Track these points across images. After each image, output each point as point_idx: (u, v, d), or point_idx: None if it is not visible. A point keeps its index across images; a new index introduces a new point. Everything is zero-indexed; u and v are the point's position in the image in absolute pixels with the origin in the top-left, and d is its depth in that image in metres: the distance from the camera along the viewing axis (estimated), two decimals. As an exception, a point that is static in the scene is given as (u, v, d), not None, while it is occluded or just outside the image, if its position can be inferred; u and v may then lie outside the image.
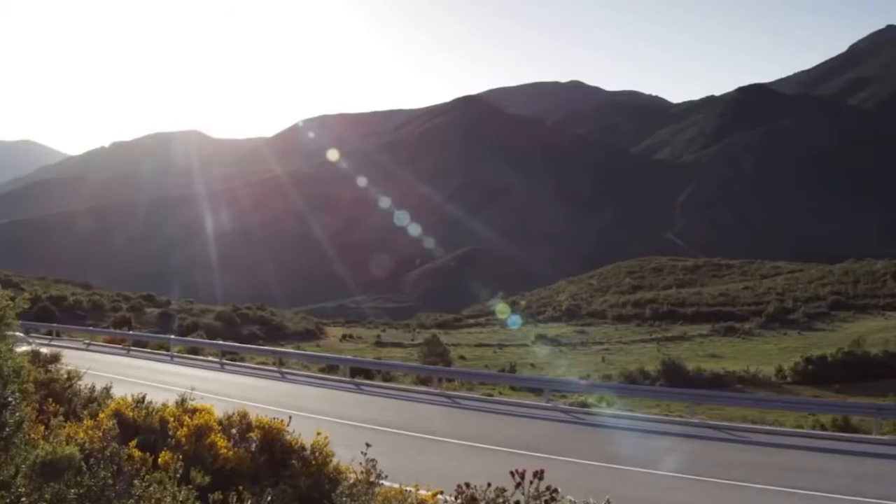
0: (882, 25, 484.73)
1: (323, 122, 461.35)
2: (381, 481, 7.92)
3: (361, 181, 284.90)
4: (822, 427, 24.11)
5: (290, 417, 9.50)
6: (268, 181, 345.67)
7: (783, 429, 23.36)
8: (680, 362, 49.31)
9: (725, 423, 23.43)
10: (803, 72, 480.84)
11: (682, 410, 24.87)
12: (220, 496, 5.70)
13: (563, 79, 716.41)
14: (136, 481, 6.04)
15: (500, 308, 58.64)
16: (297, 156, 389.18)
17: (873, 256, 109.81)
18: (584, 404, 26.32)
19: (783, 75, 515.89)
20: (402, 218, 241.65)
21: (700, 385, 38.74)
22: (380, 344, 69.87)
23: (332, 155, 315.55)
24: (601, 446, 19.53)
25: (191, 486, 6.05)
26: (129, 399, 10.14)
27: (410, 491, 7.42)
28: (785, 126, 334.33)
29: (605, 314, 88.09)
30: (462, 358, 59.29)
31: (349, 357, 41.90)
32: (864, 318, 75.28)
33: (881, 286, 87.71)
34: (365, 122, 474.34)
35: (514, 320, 60.73)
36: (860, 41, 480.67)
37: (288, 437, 9.17)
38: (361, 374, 33.81)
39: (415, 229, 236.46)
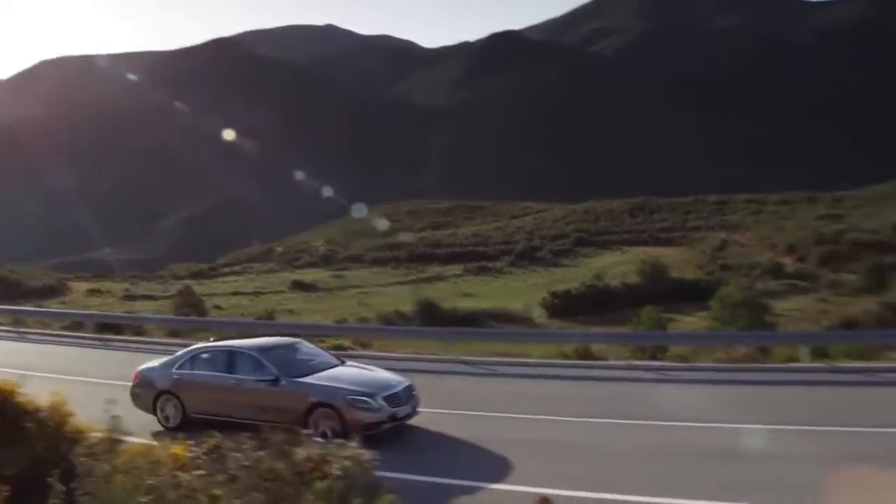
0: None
1: (62, 63, 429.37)
2: (126, 438, 7.64)
3: (106, 126, 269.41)
4: (566, 357, 25.53)
5: (24, 378, 8.99)
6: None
7: (531, 360, 24.52)
8: (435, 302, 50.82)
9: (477, 358, 24.29)
10: (553, 19, 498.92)
11: (437, 349, 25.56)
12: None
13: (319, 21, 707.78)
14: None
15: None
16: (34, 100, 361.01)
17: (612, 196, 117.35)
18: (340, 348, 26.48)
19: (534, 22, 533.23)
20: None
21: (454, 323, 40.02)
22: (130, 297, 66.96)
23: (73, 99, 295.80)
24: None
25: None
26: None
27: (157, 446, 7.21)
28: (533, 72, 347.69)
29: (361, 258, 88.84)
30: (218, 308, 58.00)
31: (95, 312, 40.05)
32: (603, 253, 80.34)
33: (619, 223, 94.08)
34: (110, 63, 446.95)
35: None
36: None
37: (21, 399, 8.70)
38: (110, 329, 32.41)
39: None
